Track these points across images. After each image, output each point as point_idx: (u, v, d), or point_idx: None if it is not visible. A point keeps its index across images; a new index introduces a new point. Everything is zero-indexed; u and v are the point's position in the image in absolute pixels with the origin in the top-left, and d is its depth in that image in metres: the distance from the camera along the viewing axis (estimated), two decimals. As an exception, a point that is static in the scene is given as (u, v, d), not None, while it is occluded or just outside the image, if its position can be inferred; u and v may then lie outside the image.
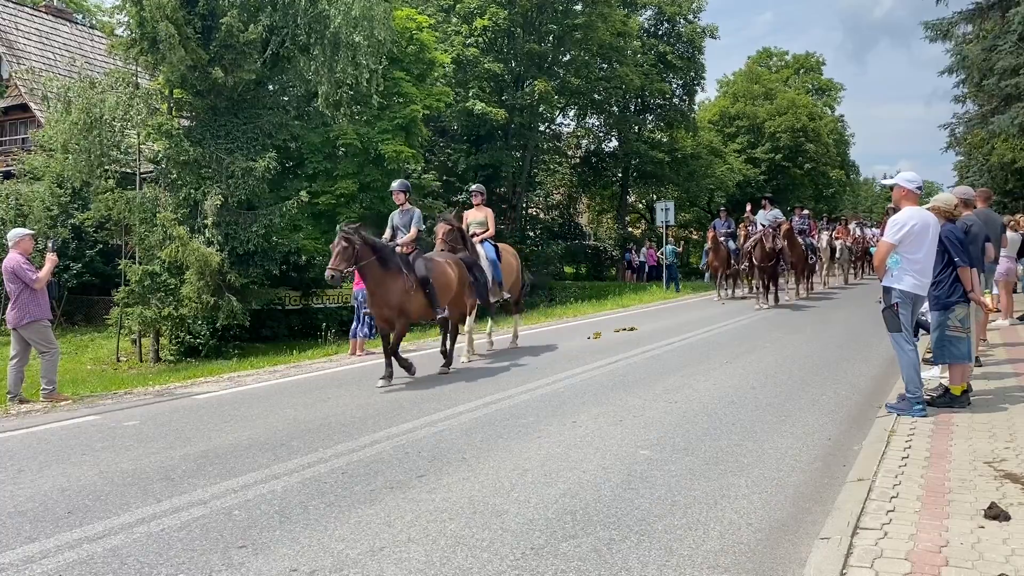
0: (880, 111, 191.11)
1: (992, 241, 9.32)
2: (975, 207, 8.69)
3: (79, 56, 25.02)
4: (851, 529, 3.95)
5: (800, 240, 18.75)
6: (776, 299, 17.35)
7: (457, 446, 5.92)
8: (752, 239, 17.07)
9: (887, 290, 6.37)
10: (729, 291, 20.49)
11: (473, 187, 11.84)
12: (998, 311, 11.63)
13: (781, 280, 19.38)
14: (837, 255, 23.88)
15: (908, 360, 6.31)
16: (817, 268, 21.97)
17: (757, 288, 18.10)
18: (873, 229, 27.69)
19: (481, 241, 10.98)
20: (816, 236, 22.10)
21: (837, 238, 24.32)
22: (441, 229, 10.04)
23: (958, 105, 30.03)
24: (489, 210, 11.49)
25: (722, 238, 18.94)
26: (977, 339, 9.63)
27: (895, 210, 6.75)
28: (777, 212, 18.10)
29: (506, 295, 11.43)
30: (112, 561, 3.88)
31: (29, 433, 6.82)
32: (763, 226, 17.20)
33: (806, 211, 23.43)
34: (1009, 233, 12.05)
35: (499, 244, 11.64)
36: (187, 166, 16.75)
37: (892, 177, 6.78)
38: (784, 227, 17.41)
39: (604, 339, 12.40)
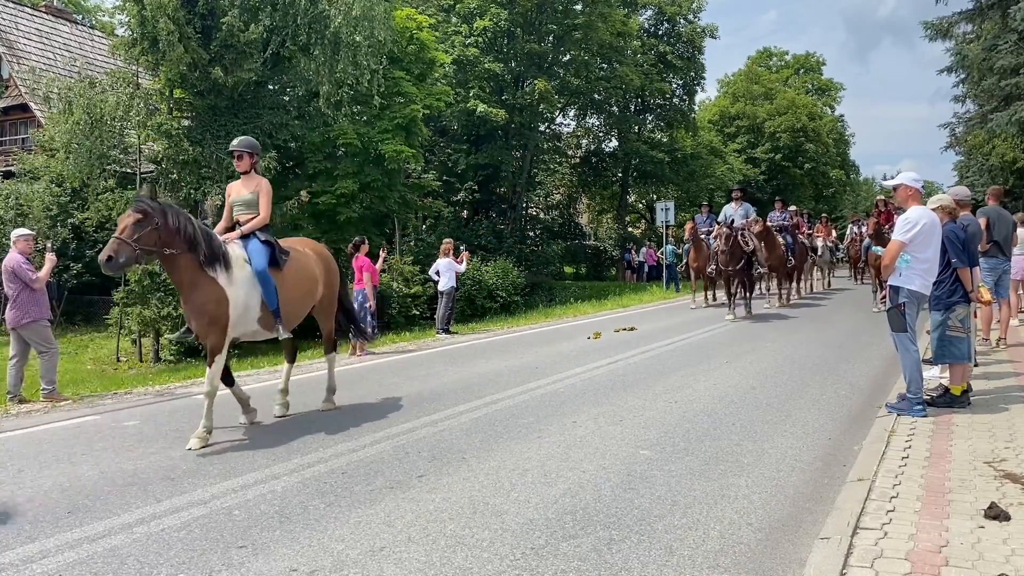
0: (883, 110, 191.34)
1: (1002, 239, 9.30)
2: (971, 208, 8.68)
3: (79, 56, 25.04)
4: (851, 529, 3.95)
5: (781, 239, 16.77)
6: (748, 309, 15.07)
7: (457, 446, 5.92)
8: (720, 240, 14.76)
9: (895, 289, 6.37)
10: (710, 294, 18.33)
11: (235, 142, 7.01)
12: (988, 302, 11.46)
13: (763, 284, 17.56)
14: (819, 256, 21.54)
15: (911, 360, 6.31)
16: (806, 270, 19.97)
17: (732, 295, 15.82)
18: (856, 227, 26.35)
19: (244, 236, 6.62)
20: (805, 234, 20.08)
21: (816, 236, 21.98)
22: (123, 220, 5.86)
23: (958, 104, 30.13)
24: (263, 181, 6.96)
25: (703, 235, 16.94)
26: (986, 334, 9.65)
27: (899, 210, 6.76)
28: (748, 207, 16.00)
29: (283, 332, 6.65)
30: (112, 561, 3.88)
31: (29, 433, 6.82)
32: (720, 224, 15.12)
33: (792, 207, 21.30)
34: (1021, 231, 12.01)
35: (292, 241, 7.49)
36: (187, 166, 16.76)
37: (893, 178, 6.77)
38: (757, 227, 15.39)
39: (604, 339, 12.40)
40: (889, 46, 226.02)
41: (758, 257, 14.98)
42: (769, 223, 16.83)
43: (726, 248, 14.07)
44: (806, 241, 19.66)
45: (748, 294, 15.26)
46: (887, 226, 14.20)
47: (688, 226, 17.46)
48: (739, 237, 14.45)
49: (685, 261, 18.83)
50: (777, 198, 21.11)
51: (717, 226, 15.41)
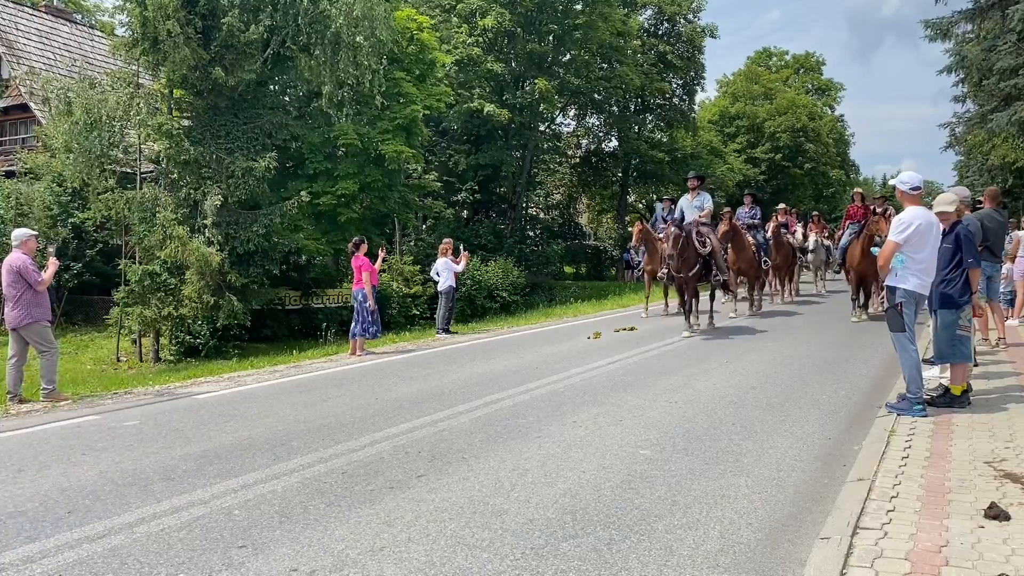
0: (886, 110, 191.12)
1: (993, 242, 9.31)
2: (973, 208, 8.68)
3: (79, 56, 25.03)
4: (851, 529, 3.95)
5: (752, 239, 15.22)
6: (710, 320, 13.10)
7: (457, 446, 5.92)
8: (667, 241, 12.17)
9: (891, 290, 6.39)
10: (672, 302, 15.32)
11: None
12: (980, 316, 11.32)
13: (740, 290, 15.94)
14: (810, 256, 19.84)
15: (910, 360, 6.32)
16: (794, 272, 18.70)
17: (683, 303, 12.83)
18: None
19: None
20: (794, 233, 18.79)
21: (810, 233, 20.30)
22: None
23: (958, 104, 30.12)
24: None
25: (660, 234, 14.08)
26: (983, 337, 9.66)
27: (894, 207, 6.78)
28: (705, 198, 13.38)
29: None
30: (112, 561, 3.88)
31: (29, 433, 6.81)
32: (669, 222, 12.64)
33: (781, 205, 19.81)
34: (1018, 232, 12.01)
35: None
36: (187, 166, 16.75)
37: (895, 178, 6.81)
38: (723, 227, 13.71)
39: (604, 339, 12.40)
40: (892, 46, 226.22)
41: (717, 260, 12.55)
42: (737, 221, 15.29)
43: (674, 252, 11.67)
44: (793, 241, 18.19)
45: (710, 303, 13.28)
46: (863, 218, 13.38)
47: (636, 229, 15.14)
48: (694, 236, 12.16)
49: (640, 265, 16.24)
50: (746, 192, 18.79)
51: (666, 225, 12.74)
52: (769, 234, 16.35)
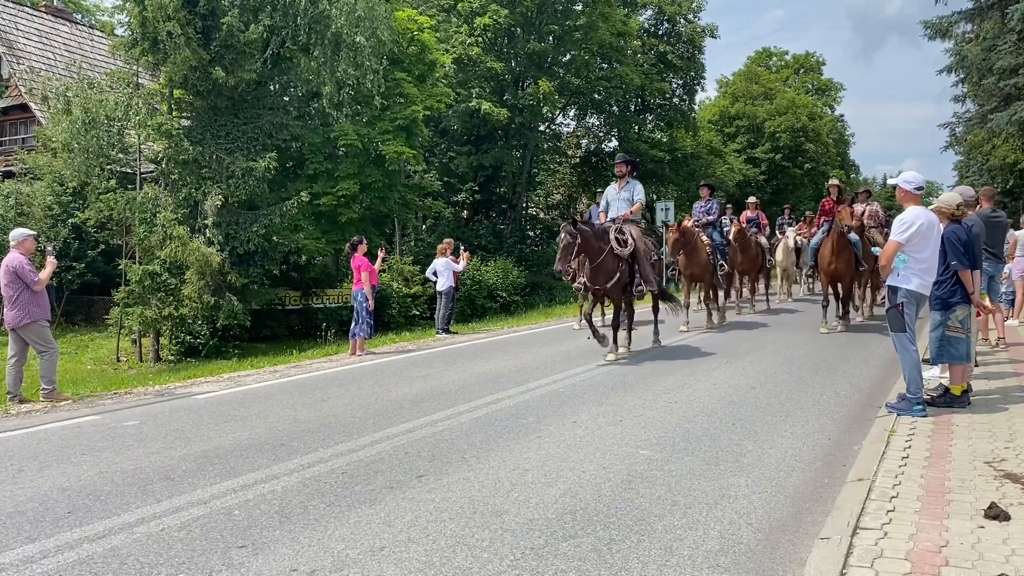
0: (888, 109, 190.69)
1: (993, 242, 9.31)
2: (977, 207, 8.68)
3: (79, 56, 25.03)
4: (851, 529, 3.94)
5: (707, 239, 13.35)
6: (626, 340, 10.64)
7: (457, 446, 5.92)
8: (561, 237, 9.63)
9: (893, 290, 6.39)
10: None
11: None
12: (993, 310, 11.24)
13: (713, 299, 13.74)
14: (800, 258, 18.12)
15: (911, 360, 6.32)
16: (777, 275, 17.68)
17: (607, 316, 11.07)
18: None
19: None
20: (765, 233, 17.37)
21: (798, 235, 18.79)
22: None
23: (958, 104, 30.16)
24: None
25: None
26: (983, 337, 9.66)
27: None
28: (635, 187, 10.80)
29: None
30: (112, 561, 3.88)
31: (29, 433, 6.82)
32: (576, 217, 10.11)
33: (751, 199, 18.09)
34: (1020, 233, 12.00)
35: None
36: (187, 166, 16.75)
37: (895, 177, 6.79)
38: (673, 236, 12.12)
39: (604, 339, 12.38)
40: (895, 45, 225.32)
41: (640, 264, 10.04)
42: (692, 217, 13.71)
43: (562, 265, 9.32)
44: (764, 241, 16.71)
45: (628, 319, 10.73)
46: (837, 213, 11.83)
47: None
48: (612, 234, 9.92)
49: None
50: (703, 183, 15.74)
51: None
52: (731, 237, 14.76)
